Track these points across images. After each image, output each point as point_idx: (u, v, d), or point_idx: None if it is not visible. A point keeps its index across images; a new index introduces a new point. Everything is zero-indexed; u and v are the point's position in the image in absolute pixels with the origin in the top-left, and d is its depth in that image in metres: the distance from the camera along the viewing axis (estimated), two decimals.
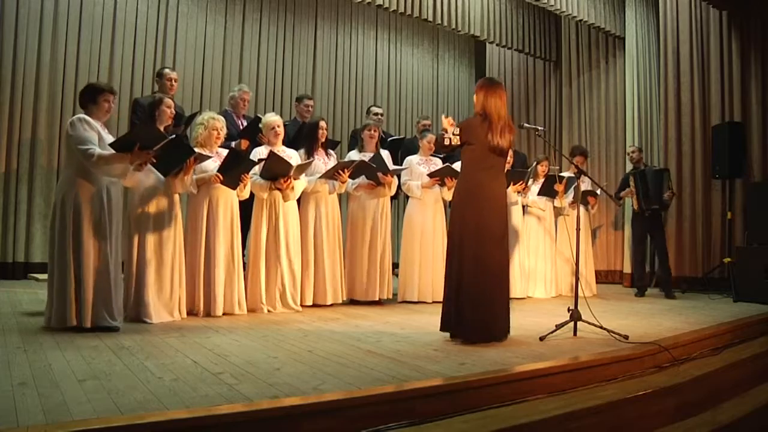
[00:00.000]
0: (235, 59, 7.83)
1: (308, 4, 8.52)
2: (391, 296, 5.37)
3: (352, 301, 5.16)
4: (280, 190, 4.56)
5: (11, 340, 3.14)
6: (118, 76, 6.82)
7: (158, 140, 3.53)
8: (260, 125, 4.86)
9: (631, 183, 6.52)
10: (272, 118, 4.78)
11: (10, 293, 5.03)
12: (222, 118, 4.43)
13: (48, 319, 3.47)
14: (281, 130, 4.77)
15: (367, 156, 5.13)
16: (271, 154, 4.47)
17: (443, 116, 4.22)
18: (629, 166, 7.77)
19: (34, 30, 6.31)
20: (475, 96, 3.71)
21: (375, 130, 5.33)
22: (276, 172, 4.48)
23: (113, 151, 3.41)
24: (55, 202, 3.55)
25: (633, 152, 6.76)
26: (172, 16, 7.31)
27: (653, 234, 6.55)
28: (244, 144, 5.18)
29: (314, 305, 4.84)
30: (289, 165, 4.50)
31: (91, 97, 3.58)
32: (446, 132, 3.69)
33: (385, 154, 5.26)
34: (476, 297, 3.45)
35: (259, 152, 4.64)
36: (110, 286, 3.48)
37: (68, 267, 3.40)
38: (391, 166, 5.21)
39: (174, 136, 3.75)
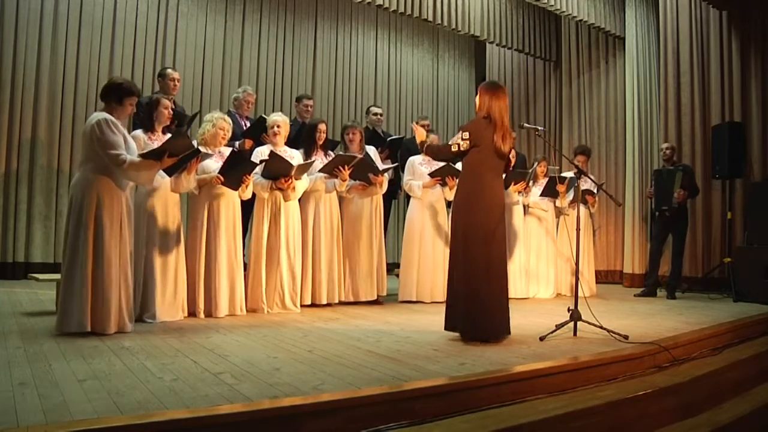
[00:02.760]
0: (235, 59, 7.84)
1: (308, 4, 8.52)
2: (385, 294, 5.37)
3: (352, 302, 5.15)
4: (281, 190, 4.56)
5: (11, 340, 3.13)
6: (118, 75, 6.81)
7: (187, 149, 3.54)
8: (265, 125, 4.85)
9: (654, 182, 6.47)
10: (274, 118, 4.78)
11: (10, 293, 5.03)
12: (230, 120, 4.46)
13: (61, 323, 3.30)
14: (280, 130, 4.75)
15: None
16: (272, 154, 4.47)
17: (414, 124, 4.24)
18: (629, 166, 7.80)
19: (34, 30, 6.31)
20: (478, 98, 3.71)
21: (354, 133, 5.25)
22: (277, 172, 4.48)
23: (142, 159, 3.39)
24: (72, 201, 3.40)
25: (667, 149, 6.55)
26: (172, 16, 7.31)
27: (675, 233, 6.41)
28: (248, 144, 5.20)
29: (313, 305, 4.84)
30: (290, 165, 4.50)
31: (118, 98, 3.49)
32: (453, 141, 3.68)
33: (372, 151, 5.26)
34: (479, 296, 3.47)
35: (261, 152, 4.64)
36: (130, 291, 3.46)
37: (85, 269, 3.27)
38: (379, 164, 5.24)
39: (197, 148, 3.76)
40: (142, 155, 3.40)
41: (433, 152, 3.96)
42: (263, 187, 4.53)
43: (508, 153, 3.66)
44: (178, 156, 3.51)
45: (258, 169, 4.45)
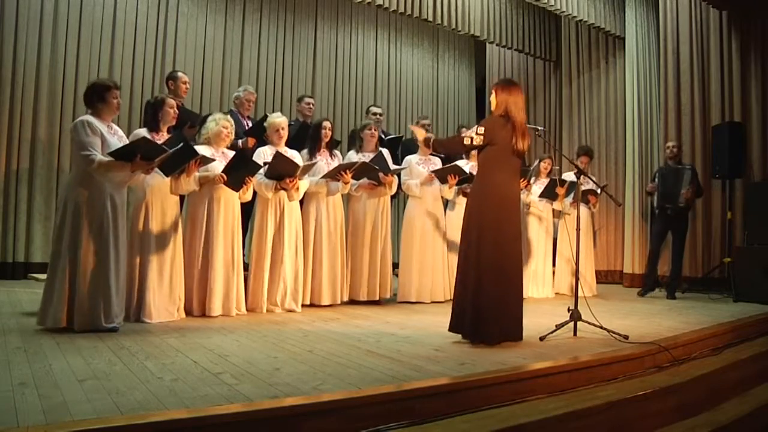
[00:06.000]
0: (235, 59, 7.83)
1: (308, 4, 8.52)
2: (391, 295, 5.36)
3: (352, 301, 5.15)
4: (285, 190, 4.57)
5: (11, 340, 3.13)
6: (118, 76, 6.80)
7: (159, 153, 3.53)
8: (265, 124, 4.85)
9: (656, 179, 6.47)
10: (278, 119, 4.77)
11: (10, 293, 5.03)
12: (232, 121, 4.47)
13: (40, 318, 3.45)
14: (285, 132, 4.77)
15: (366, 155, 5.12)
16: (278, 155, 4.47)
17: (412, 126, 4.23)
18: (629, 166, 7.80)
19: (34, 30, 6.30)
20: (494, 96, 3.62)
21: (376, 129, 5.32)
22: (282, 172, 4.49)
23: (111, 159, 3.40)
24: (59, 203, 3.55)
25: (674, 147, 6.54)
26: (172, 16, 7.31)
27: (675, 232, 6.40)
28: (251, 142, 5.21)
29: (314, 305, 4.84)
30: (296, 165, 4.51)
31: (100, 96, 3.53)
32: (467, 133, 3.60)
33: (385, 152, 5.26)
34: (497, 298, 3.38)
35: (263, 152, 4.64)
36: (110, 291, 3.46)
37: (64, 268, 3.39)
38: (391, 165, 5.21)
39: (181, 145, 3.74)
40: (111, 154, 3.40)
41: (442, 145, 3.91)
42: (267, 187, 4.52)
43: (525, 151, 3.59)
44: (152, 159, 3.49)
45: (262, 171, 4.45)
